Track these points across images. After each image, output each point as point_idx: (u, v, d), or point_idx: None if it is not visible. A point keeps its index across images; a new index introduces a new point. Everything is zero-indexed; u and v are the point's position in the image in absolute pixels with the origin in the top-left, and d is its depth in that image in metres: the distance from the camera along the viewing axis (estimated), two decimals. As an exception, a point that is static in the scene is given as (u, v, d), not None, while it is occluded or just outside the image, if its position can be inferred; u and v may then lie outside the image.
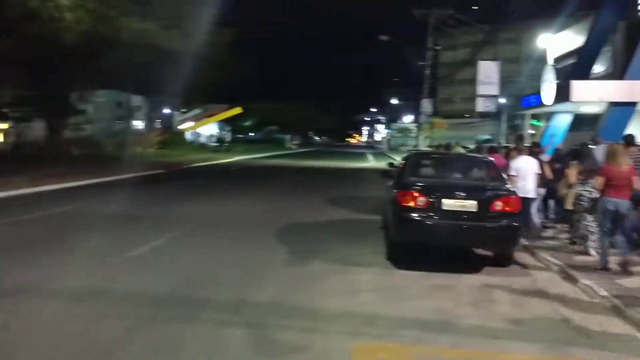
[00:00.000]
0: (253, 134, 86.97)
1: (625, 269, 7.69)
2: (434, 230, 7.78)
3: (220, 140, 60.98)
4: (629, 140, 10.23)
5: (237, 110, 61.55)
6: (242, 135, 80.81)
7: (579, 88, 19.01)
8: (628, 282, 7.27)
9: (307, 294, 6.60)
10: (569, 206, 9.86)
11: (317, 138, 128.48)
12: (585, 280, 7.39)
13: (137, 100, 52.46)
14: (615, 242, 7.97)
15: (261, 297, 6.42)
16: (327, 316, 5.85)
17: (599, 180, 7.99)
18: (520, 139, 14.30)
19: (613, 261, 7.96)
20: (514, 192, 8.25)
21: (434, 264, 7.88)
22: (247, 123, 80.00)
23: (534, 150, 11.19)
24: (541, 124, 31.21)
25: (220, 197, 16.02)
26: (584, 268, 8.00)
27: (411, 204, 7.90)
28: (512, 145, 11.64)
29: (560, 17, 29.36)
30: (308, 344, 5.04)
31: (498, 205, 7.86)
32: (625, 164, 7.94)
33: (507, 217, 7.85)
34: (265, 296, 6.46)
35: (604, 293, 6.78)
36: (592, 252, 8.83)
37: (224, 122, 69.92)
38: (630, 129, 18.58)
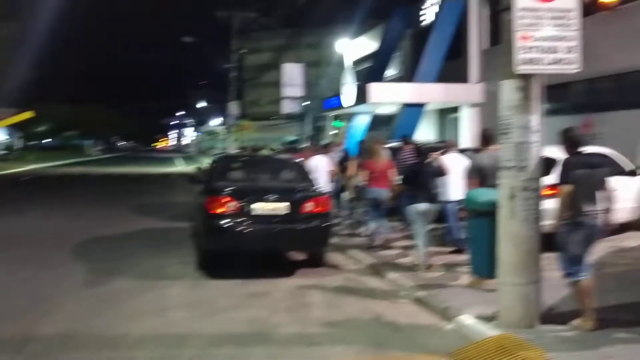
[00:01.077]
0: (49, 140, 79.61)
1: (387, 246, 9.17)
2: (245, 236, 7.51)
3: (8, 147, 54.66)
4: (406, 140, 11.59)
5: (27, 115, 55.66)
6: (36, 142, 73.51)
7: (375, 90, 20.21)
8: (430, 273, 7.67)
9: (109, 318, 5.90)
10: (349, 196, 10.90)
11: (122, 143, 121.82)
12: (391, 274, 7.68)
13: None
14: (381, 225, 9.27)
15: (52, 328, 5.57)
16: (132, 342, 5.25)
17: (362, 173, 9.39)
18: (313, 139, 15.07)
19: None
20: (323, 192, 8.31)
21: (247, 271, 7.62)
22: (42, 128, 72.95)
23: (327, 150, 12.04)
24: (343, 124, 32.87)
25: (5, 212, 14.09)
26: (390, 261, 8.34)
27: (220, 209, 7.55)
28: (308, 145, 12.31)
29: (354, 24, 31.06)
30: (109, 378, 4.44)
31: (308, 206, 7.84)
32: (382, 159, 9.27)
33: (317, 217, 7.86)
34: (57, 326, 5.61)
35: (410, 285, 7.08)
36: (364, 233, 9.88)
37: (12, 128, 62.89)
38: (420, 127, 20.31)
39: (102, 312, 6.13)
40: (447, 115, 23.62)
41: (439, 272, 7.66)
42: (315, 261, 8.38)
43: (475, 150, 8.31)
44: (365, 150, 10.76)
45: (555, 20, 5.05)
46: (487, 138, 7.35)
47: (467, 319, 5.61)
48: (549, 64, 5.04)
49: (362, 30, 31.61)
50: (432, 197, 7.81)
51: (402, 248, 9.13)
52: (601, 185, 5.23)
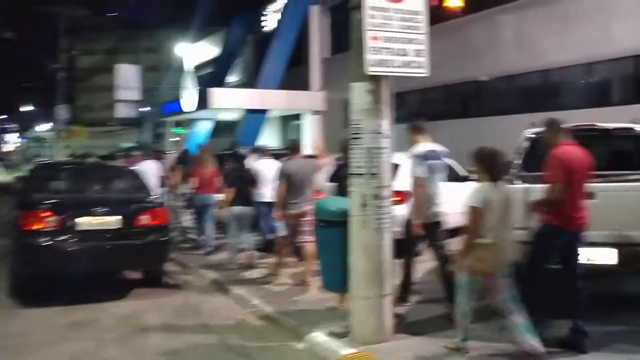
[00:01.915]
0: None
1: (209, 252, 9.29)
2: (68, 256, 6.51)
3: None
4: (234, 147, 12.56)
5: None
6: None
7: (217, 95, 19.56)
8: (275, 287, 7.26)
9: None
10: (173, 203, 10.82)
11: None
12: (236, 289, 7.14)
13: None
14: (205, 230, 9.51)
15: None
16: None
17: (192, 181, 9.60)
18: (144, 145, 14.61)
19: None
20: (160, 203, 7.54)
21: (71, 296, 6.59)
22: None
23: (160, 156, 11.84)
24: (184, 131, 31.67)
25: None
26: (234, 275, 7.80)
27: (37, 226, 6.48)
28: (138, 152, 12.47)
29: (195, 28, 30.22)
30: None
31: (144, 219, 7.04)
32: (209, 166, 9.58)
33: (155, 231, 7.08)
34: None
35: (255, 302, 6.60)
36: (194, 237, 10.19)
37: None
38: (263, 134, 20.04)
39: None
40: (290, 122, 23.67)
41: (285, 286, 7.28)
42: (153, 280, 7.59)
43: (285, 157, 8.65)
44: (191, 159, 10.91)
45: (404, 22, 4.88)
46: (294, 147, 7.71)
47: (319, 337, 5.25)
48: (399, 66, 4.86)
49: (202, 34, 30.72)
50: (247, 201, 8.24)
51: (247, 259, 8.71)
52: None
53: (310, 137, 20.92)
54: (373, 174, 4.94)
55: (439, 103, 16.74)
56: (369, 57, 4.72)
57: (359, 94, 4.97)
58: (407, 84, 17.22)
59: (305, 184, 7.22)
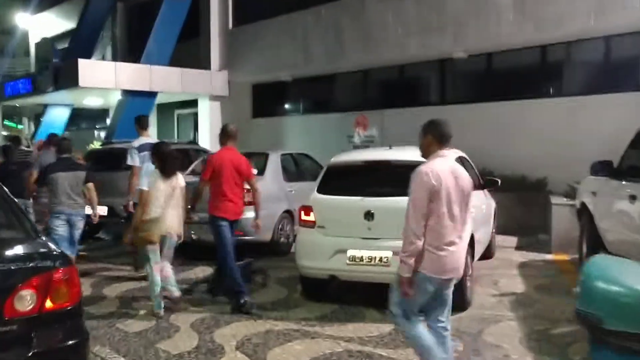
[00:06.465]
0: None
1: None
2: None
3: None
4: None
5: None
6: None
7: (87, 70, 14.69)
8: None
9: None
10: None
11: None
12: None
13: None
14: None
15: None
16: None
17: None
18: None
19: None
20: (65, 257, 3.45)
21: None
22: None
23: None
24: (17, 125, 26.40)
25: None
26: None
27: None
28: None
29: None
30: None
31: (27, 299, 3.03)
32: None
33: (55, 323, 3.12)
34: None
35: None
36: None
37: None
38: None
39: None
40: (169, 110, 19.41)
41: None
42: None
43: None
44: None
45: None
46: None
47: None
48: None
49: (50, 3, 25.21)
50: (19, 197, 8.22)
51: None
52: (79, 183, 6.76)
53: (207, 128, 16.88)
54: None
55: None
56: None
57: None
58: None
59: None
